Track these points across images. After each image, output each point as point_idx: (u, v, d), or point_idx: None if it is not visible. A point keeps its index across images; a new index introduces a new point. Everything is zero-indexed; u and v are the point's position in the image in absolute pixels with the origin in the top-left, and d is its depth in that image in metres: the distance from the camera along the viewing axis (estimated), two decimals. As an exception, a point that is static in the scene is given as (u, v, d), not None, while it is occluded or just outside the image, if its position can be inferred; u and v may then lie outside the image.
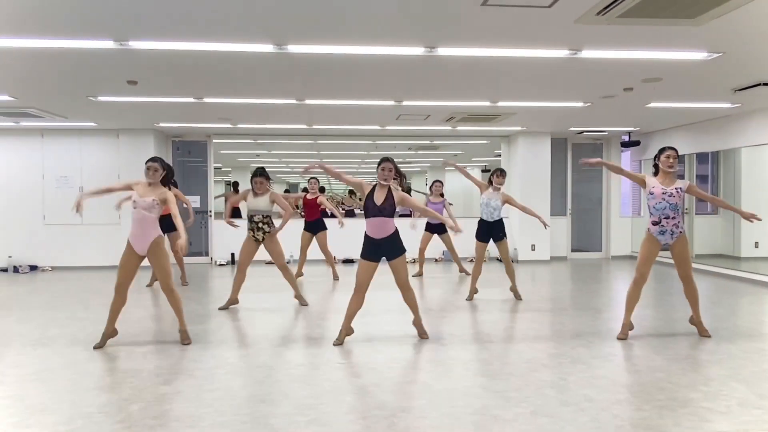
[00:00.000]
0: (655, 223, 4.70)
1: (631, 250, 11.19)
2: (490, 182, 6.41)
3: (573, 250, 11.28)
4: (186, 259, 10.46)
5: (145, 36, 4.41)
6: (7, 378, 3.82)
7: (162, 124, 9.30)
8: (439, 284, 7.94)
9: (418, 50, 4.76)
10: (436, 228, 8.44)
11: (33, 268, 9.66)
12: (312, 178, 8.03)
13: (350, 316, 4.64)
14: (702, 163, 10.62)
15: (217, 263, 10.25)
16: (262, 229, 6.02)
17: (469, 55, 4.93)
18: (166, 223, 7.34)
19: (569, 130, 10.19)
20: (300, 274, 8.14)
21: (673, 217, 4.64)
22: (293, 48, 4.70)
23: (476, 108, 7.68)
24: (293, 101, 7.12)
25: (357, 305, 4.63)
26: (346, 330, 4.68)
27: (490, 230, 6.36)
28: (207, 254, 10.64)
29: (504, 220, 6.50)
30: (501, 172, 6.40)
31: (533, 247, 10.57)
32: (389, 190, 4.52)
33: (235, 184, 11.33)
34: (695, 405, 3.28)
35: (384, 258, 4.54)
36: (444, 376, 3.86)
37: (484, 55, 4.93)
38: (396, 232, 4.56)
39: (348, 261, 10.16)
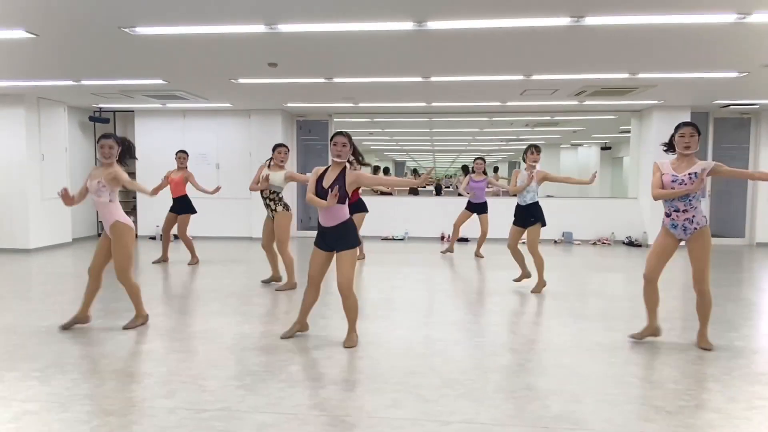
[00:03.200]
0: (667, 215, 4.02)
1: (781, 237, 10.05)
2: (523, 160, 5.86)
3: (711, 236, 10.27)
4: (306, 233, 11.07)
5: (293, 19, 4.61)
6: (179, 335, 4.28)
7: (289, 104, 9.75)
8: (559, 267, 7.64)
9: (563, 20, 4.53)
10: (476, 207, 8.25)
11: (176, 237, 10.65)
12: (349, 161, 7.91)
13: (305, 310, 4.17)
14: None
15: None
16: (269, 206, 5.75)
17: (618, 23, 4.61)
18: (179, 205, 7.82)
19: (713, 103, 9.25)
20: (362, 257, 7.87)
21: (684, 210, 3.91)
22: (433, 24, 4.68)
23: (612, 81, 7.20)
24: (419, 78, 7.13)
25: (311, 298, 4.13)
26: (300, 324, 4.22)
27: (527, 214, 5.81)
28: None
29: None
30: (536, 149, 5.81)
31: (665, 231, 9.81)
32: (343, 171, 3.97)
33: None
34: None
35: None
36: (590, 360, 3.73)
37: (635, 23, 4.59)
38: (348, 222, 3.93)
39: (463, 240, 10.12)
